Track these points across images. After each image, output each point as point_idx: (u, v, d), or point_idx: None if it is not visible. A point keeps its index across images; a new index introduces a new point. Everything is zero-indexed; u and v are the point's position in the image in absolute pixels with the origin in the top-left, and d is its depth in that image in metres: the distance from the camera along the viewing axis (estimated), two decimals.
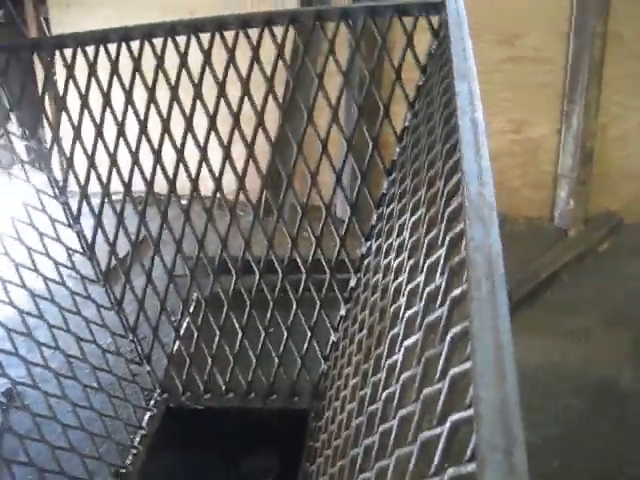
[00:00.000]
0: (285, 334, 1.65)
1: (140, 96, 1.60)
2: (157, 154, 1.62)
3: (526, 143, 3.19)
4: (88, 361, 1.64)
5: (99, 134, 1.64)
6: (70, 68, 1.60)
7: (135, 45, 1.57)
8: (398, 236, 1.20)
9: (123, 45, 1.56)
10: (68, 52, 1.61)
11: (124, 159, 1.63)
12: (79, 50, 1.58)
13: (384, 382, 0.95)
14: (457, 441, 0.65)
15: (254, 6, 2.88)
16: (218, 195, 1.61)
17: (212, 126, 1.57)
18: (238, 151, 1.60)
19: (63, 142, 1.69)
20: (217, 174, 1.59)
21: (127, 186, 1.65)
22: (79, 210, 1.70)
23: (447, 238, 0.85)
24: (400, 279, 1.06)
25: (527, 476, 0.47)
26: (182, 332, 1.74)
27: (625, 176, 3.11)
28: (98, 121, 1.62)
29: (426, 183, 1.11)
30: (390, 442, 0.80)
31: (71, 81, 1.60)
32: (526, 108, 3.15)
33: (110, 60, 1.57)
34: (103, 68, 1.60)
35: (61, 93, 1.63)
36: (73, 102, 1.61)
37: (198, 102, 1.56)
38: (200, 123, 1.58)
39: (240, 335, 1.67)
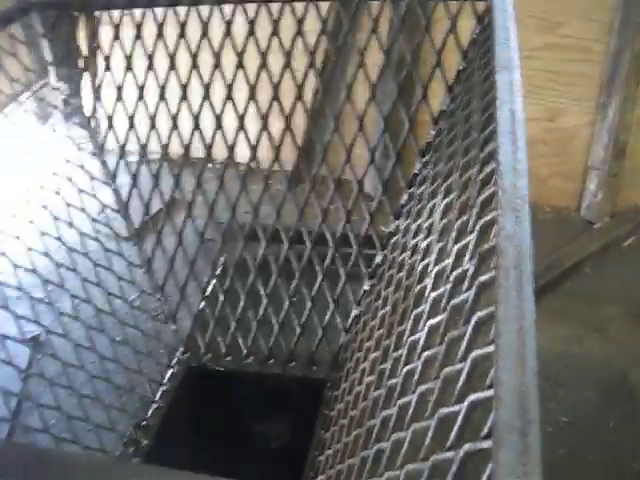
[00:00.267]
0: (309, 304, 1.69)
1: (184, 61, 1.63)
2: (196, 119, 1.65)
3: (559, 132, 3.17)
4: (116, 315, 1.70)
5: (141, 96, 1.67)
6: (117, 28, 1.63)
7: (182, 11, 1.60)
8: (428, 218, 1.22)
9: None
10: (116, 13, 1.65)
11: (163, 122, 1.67)
12: (127, 11, 1.62)
13: (405, 358, 0.98)
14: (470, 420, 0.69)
15: None
16: (253, 164, 1.64)
17: (252, 95, 1.60)
18: (275, 122, 1.63)
19: (105, 102, 1.73)
20: (254, 143, 1.63)
21: (164, 148, 1.69)
22: (116, 169, 1.75)
23: (478, 225, 0.88)
24: (427, 260, 1.09)
25: (539, 456, 0.50)
26: (208, 295, 1.79)
27: None
28: (141, 83, 1.66)
29: (460, 168, 1.14)
30: (408, 416, 0.84)
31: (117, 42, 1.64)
32: (562, 97, 3.13)
33: (157, 24, 1.60)
34: (149, 30, 1.63)
35: (107, 53, 1.67)
36: (117, 62, 1.66)
37: (240, 71, 1.59)
38: (240, 93, 1.61)
39: (265, 302, 1.71)
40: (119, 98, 1.67)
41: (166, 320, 1.82)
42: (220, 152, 1.69)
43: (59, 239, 1.61)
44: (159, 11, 1.62)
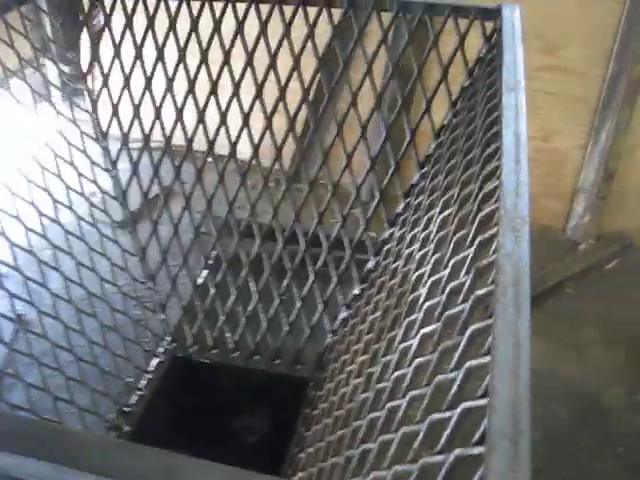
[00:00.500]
0: (298, 304, 1.71)
1: (193, 54, 1.65)
2: (201, 113, 1.67)
3: (551, 153, 3.22)
4: (106, 300, 1.72)
5: (147, 86, 1.69)
6: (130, 18, 1.65)
7: (196, 5, 1.62)
8: (425, 229, 1.26)
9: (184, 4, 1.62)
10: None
11: (168, 113, 1.69)
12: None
13: (396, 363, 1.01)
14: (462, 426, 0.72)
15: None
16: (254, 162, 1.67)
17: (258, 94, 1.62)
18: (278, 122, 1.65)
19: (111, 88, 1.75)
20: (256, 141, 1.65)
21: (168, 139, 1.71)
22: (118, 156, 1.77)
23: (477, 240, 0.91)
24: (422, 270, 1.12)
25: (530, 463, 0.53)
26: (199, 287, 1.81)
27: None
28: (148, 73, 1.68)
29: (460, 183, 1.17)
30: (397, 419, 0.87)
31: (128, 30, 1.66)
32: (557, 118, 3.18)
33: (169, 16, 1.62)
34: (161, 21, 1.65)
35: (117, 40, 1.68)
36: (125, 51, 1.67)
37: (249, 69, 1.61)
38: (246, 90, 1.64)
39: (255, 298, 1.73)
40: (126, 85, 1.69)
41: (156, 309, 1.84)
42: (222, 147, 1.71)
43: (56, 221, 1.62)
44: (172, 4, 1.64)
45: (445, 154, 1.38)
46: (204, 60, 1.64)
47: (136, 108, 1.71)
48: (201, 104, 1.66)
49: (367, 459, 0.90)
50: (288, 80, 1.61)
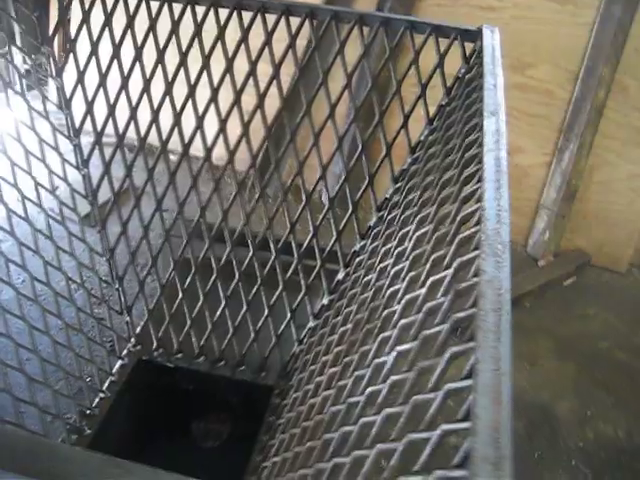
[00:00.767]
0: (265, 311, 1.71)
1: (173, 56, 1.64)
2: (177, 116, 1.66)
3: (514, 169, 3.29)
4: (71, 300, 1.70)
5: (124, 86, 1.68)
6: (109, 16, 1.64)
7: (177, 8, 1.61)
8: (399, 244, 1.27)
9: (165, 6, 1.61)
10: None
11: (144, 113, 1.68)
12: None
13: (369, 379, 1.02)
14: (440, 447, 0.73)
15: None
16: (229, 168, 1.67)
17: (237, 101, 1.62)
18: (256, 129, 1.65)
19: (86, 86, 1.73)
20: (232, 147, 1.65)
21: (142, 140, 1.69)
22: (90, 154, 1.75)
23: (455, 262, 0.93)
24: (397, 287, 1.14)
25: None
26: (166, 290, 1.80)
27: (601, 221, 3.24)
28: (125, 73, 1.66)
29: (436, 203, 1.19)
30: (371, 434, 0.88)
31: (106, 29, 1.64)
32: (522, 136, 3.25)
33: (150, 18, 1.61)
34: (140, 22, 1.63)
35: (95, 38, 1.66)
36: (102, 48, 1.66)
37: (227, 76, 1.61)
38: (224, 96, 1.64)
39: (223, 304, 1.73)
40: (102, 84, 1.67)
41: (122, 311, 1.82)
42: (197, 150, 1.70)
43: (26, 219, 1.60)
44: (154, 4, 1.62)
45: (421, 170, 1.40)
46: (182, 63, 1.63)
47: (111, 107, 1.69)
48: (178, 107, 1.65)
49: (340, 473, 0.91)
50: (267, 88, 1.62)
